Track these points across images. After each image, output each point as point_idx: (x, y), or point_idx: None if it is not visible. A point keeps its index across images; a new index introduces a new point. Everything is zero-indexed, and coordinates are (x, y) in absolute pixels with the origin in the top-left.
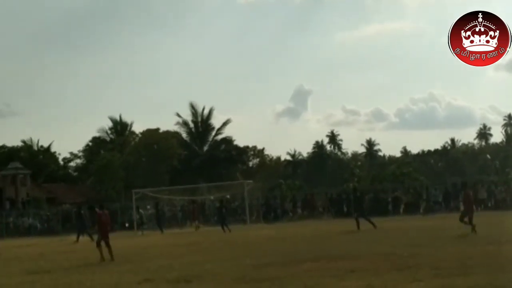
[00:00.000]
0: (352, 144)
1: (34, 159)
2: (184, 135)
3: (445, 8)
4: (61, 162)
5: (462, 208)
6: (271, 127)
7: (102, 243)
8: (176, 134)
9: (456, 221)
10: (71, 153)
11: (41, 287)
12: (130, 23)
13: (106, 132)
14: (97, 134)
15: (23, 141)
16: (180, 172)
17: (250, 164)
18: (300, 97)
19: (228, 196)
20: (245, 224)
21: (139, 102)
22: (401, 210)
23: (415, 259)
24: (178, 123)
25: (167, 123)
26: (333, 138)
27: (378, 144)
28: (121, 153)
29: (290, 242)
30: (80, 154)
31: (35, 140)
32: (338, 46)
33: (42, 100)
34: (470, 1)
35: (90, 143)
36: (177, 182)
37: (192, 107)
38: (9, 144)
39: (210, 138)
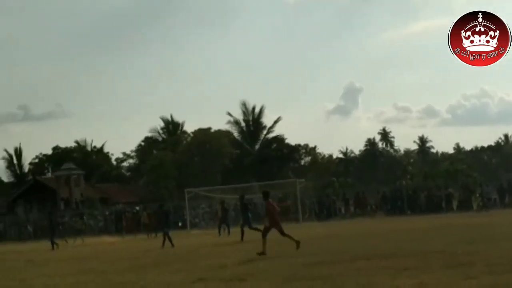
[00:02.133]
0: (404, 141)
1: (88, 160)
2: (235, 134)
3: (491, 2)
4: (114, 162)
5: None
6: (322, 125)
7: None
8: (227, 133)
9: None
10: (124, 153)
11: (95, 287)
12: (180, 23)
13: (158, 132)
14: (149, 134)
15: (77, 142)
16: (232, 171)
17: (302, 162)
18: (351, 95)
19: (279, 195)
20: (297, 223)
21: (190, 102)
22: (455, 207)
23: (468, 257)
24: (229, 122)
25: (219, 122)
26: (385, 135)
27: (431, 140)
28: (173, 153)
29: (342, 240)
30: (133, 154)
31: (88, 141)
32: (388, 43)
33: (94, 100)
34: None
35: (143, 143)
36: (229, 181)
37: (243, 106)
38: (63, 145)
39: (262, 137)
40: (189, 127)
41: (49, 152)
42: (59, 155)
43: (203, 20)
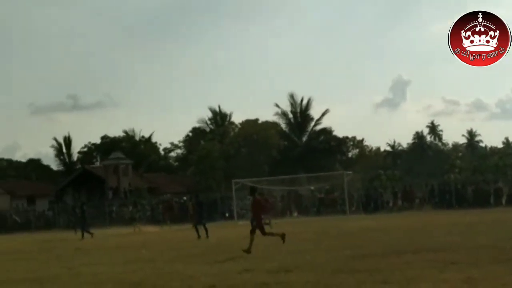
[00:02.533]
0: (453, 134)
1: (136, 149)
2: (283, 125)
3: None
4: (162, 152)
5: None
6: (370, 117)
7: None
8: (275, 125)
9: None
10: (172, 144)
11: (142, 276)
12: (229, 15)
13: (206, 123)
14: (197, 125)
15: (125, 132)
16: (279, 163)
17: (350, 154)
18: (399, 88)
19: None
20: (344, 215)
21: (238, 93)
22: (503, 202)
23: None
24: (277, 113)
25: (266, 114)
26: (433, 128)
27: (479, 134)
28: (221, 144)
29: (390, 233)
30: (181, 144)
31: (136, 131)
32: (436, 36)
33: (143, 91)
34: None
35: (190, 134)
36: (276, 173)
37: (291, 98)
38: (111, 134)
39: (309, 129)
40: (237, 118)
41: (98, 141)
42: (108, 145)
43: (252, 13)
